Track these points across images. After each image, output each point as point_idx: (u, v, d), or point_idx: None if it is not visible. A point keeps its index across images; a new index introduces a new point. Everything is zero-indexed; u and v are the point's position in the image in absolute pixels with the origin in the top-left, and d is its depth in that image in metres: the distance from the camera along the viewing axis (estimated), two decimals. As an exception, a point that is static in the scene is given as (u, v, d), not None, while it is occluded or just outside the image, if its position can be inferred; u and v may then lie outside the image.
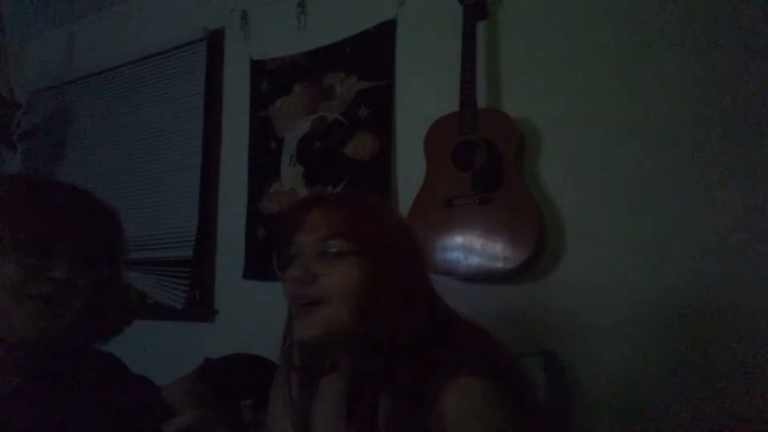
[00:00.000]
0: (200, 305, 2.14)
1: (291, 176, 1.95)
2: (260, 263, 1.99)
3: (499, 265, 1.40)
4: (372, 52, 1.82)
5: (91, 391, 0.86)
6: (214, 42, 2.23)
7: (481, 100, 1.54)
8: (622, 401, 1.31)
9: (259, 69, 2.09)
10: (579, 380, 1.36)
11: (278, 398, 0.94)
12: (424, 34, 1.74)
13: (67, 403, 0.84)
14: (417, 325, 0.78)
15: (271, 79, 2.05)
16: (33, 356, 0.83)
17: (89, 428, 0.83)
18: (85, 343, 0.91)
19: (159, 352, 1.67)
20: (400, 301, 0.77)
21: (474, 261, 1.43)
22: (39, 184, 0.88)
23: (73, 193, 0.89)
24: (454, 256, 1.44)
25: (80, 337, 0.88)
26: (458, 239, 1.45)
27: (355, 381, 0.81)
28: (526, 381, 0.79)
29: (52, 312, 0.80)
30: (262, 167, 2.03)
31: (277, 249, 0.86)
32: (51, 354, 0.84)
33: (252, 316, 1.98)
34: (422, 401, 0.73)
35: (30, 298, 0.78)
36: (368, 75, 1.82)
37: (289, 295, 0.81)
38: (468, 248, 1.43)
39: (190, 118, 2.23)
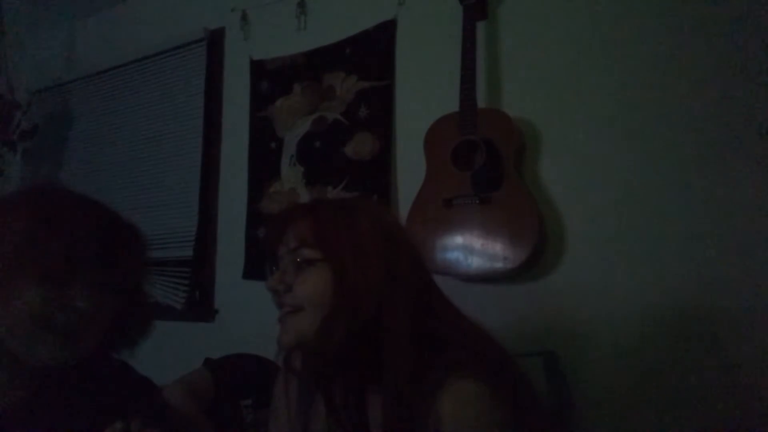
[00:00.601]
0: (200, 305, 2.13)
1: (291, 176, 1.95)
2: (260, 263, 1.98)
3: (499, 265, 1.40)
4: (372, 52, 1.82)
5: (96, 394, 0.85)
6: (214, 42, 2.23)
7: (481, 100, 1.54)
8: (622, 401, 1.31)
9: (259, 69, 2.09)
10: (579, 380, 1.36)
11: (280, 400, 0.94)
12: (424, 34, 1.74)
13: (73, 410, 0.82)
14: (399, 327, 0.76)
15: (271, 79, 2.05)
16: (50, 377, 0.81)
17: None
18: (102, 355, 0.89)
19: (159, 352, 1.66)
20: (372, 305, 0.77)
21: (474, 261, 1.43)
22: (62, 203, 0.82)
23: (99, 214, 0.84)
24: (454, 256, 1.44)
25: (99, 358, 0.86)
26: (458, 239, 1.45)
27: (331, 384, 0.82)
28: (526, 383, 0.79)
29: (74, 343, 0.78)
30: (262, 167, 2.03)
31: (267, 259, 0.89)
32: (68, 373, 0.82)
33: (252, 316, 1.98)
34: (417, 403, 0.72)
35: (51, 329, 0.75)
36: (368, 75, 1.82)
37: (275, 303, 0.85)
38: (468, 248, 1.43)
39: (190, 118, 2.23)
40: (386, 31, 1.80)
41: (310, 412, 0.89)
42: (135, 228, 0.89)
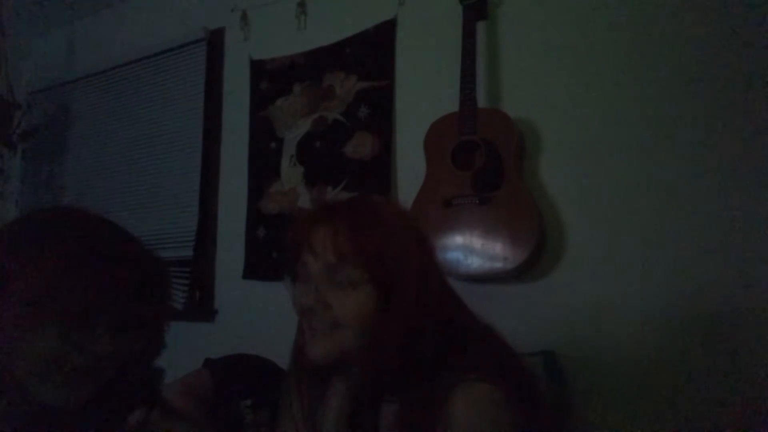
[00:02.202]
0: (200, 305, 2.13)
1: (291, 176, 1.95)
2: (260, 263, 1.99)
3: (499, 265, 1.40)
4: (372, 52, 1.82)
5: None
6: (214, 42, 2.23)
7: (481, 100, 1.54)
8: (623, 401, 1.31)
9: (259, 69, 2.09)
10: (579, 380, 1.36)
11: (290, 400, 0.94)
12: (424, 34, 1.74)
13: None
14: (430, 339, 0.76)
15: (271, 79, 2.05)
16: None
17: None
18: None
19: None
20: (413, 321, 0.75)
21: (474, 261, 1.43)
22: (85, 231, 0.76)
23: (123, 245, 0.78)
24: (454, 256, 1.44)
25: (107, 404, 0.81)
26: (458, 239, 1.45)
27: (362, 389, 0.81)
28: (538, 388, 0.78)
29: (84, 382, 0.73)
30: (262, 167, 2.03)
31: (285, 257, 0.84)
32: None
33: (252, 316, 1.98)
34: (430, 405, 0.72)
35: (64, 371, 0.70)
36: (368, 75, 1.82)
37: (300, 315, 0.81)
38: (468, 248, 1.43)
39: (190, 118, 2.23)
40: (386, 31, 1.80)
41: (320, 410, 0.88)
42: (162, 265, 0.83)
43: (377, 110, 1.78)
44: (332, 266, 0.76)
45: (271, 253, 1.95)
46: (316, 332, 0.78)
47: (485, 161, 1.45)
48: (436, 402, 0.71)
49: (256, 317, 1.96)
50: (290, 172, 1.96)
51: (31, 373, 0.71)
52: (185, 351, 1.73)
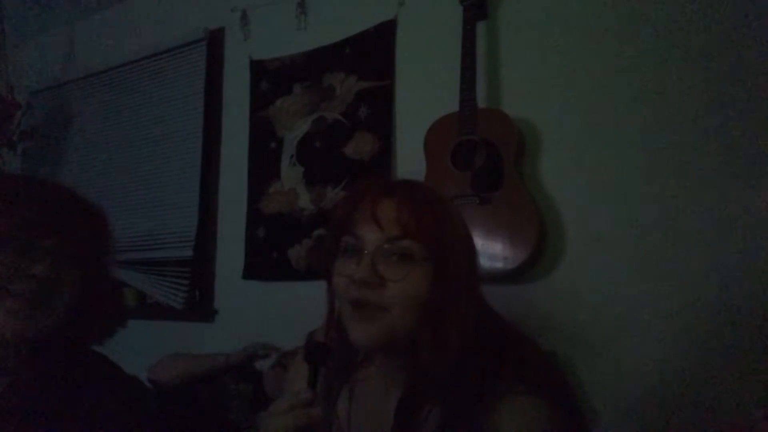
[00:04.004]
0: (200, 305, 2.14)
1: (291, 176, 1.95)
2: (260, 263, 1.99)
3: (499, 265, 1.40)
4: (372, 52, 1.82)
5: (82, 393, 0.86)
6: (214, 42, 2.23)
7: (481, 100, 1.54)
8: (623, 401, 1.31)
9: (259, 69, 2.09)
10: (579, 380, 1.36)
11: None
12: (424, 34, 1.74)
13: (57, 405, 0.83)
14: (472, 333, 0.74)
15: (271, 79, 2.05)
16: (21, 356, 0.82)
17: (79, 430, 0.82)
18: (76, 343, 0.90)
19: (159, 352, 1.67)
20: (463, 310, 0.73)
21: (474, 261, 1.42)
22: (19, 182, 0.88)
23: (56, 191, 0.88)
24: (454, 256, 1.44)
25: (69, 338, 0.87)
26: (458, 239, 1.45)
27: (411, 389, 0.77)
28: (576, 402, 0.78)
29: (34, 310, 0.79)
30: (262, 167, 2.03)
31: (325, 238, 0.84)
32: (40, 354, 0.83)
33: (252, 316, 1.98)
34: (475, 414, 0.70)
35: (11, 294, 0.78)
36: (368, 75, 1.82)
37: (346, 295, 0.75)
38: (468, 248, 1.43)
39: (190, 118, 2.23)
40: (386, 31, 1.80)
41: (335, 406, 0.86)
42: (92, 204, 0.92)
43: (377, 110, 1.78)
44: (395, 239, 0.73)
45: (271, 253, 1.95)
46: (364, 311, 0.73)
47: (485, 161, 1.45)
48: (482, 411, 0.70)
49: (256, 317, 1.96)
50: (290, 172, 1.96)
51: None
52: (185, 351, 1.74)
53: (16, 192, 0.83)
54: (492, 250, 1.41)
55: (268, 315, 1.94)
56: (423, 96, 1.70)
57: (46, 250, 0.80)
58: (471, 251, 0.79)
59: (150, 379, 1.50)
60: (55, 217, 0.83)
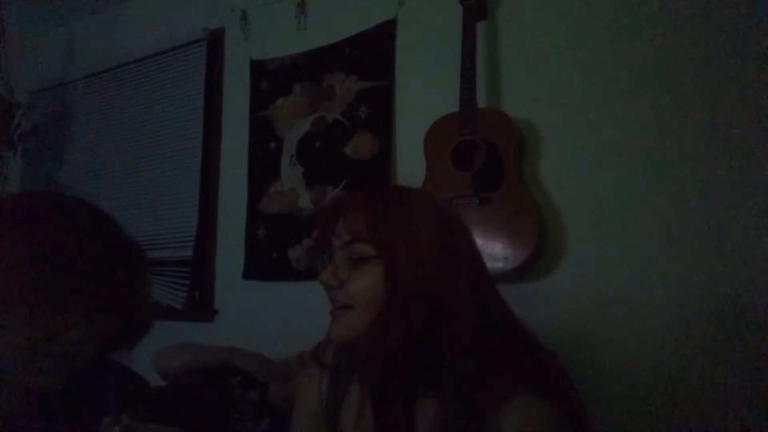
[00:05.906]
0: (200, 305, 2.13)
1: (291, 176, 1.95)
2: (260, 263, 1.99)
3: (499, 265, 1.40)
4: (372, 52, 1.82)
5: (94, 401, 0.84)
6: (214, 42, 2.23)
7: (481, 100, 1.54)
8: (623, 401, 1.31)
9: (259, 69, 2.08)
10: (579, 380, 1.35)
11: (308, 395, 0.93)
12: (424, 34, 1.74)
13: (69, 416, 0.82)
14: (460, 331, 0.74)
15: (271, 79, 2.05)
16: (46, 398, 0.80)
17: None
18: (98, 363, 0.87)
19: (159, 352, 1.67)
20: (425, 307, 0.74)
21: (474, 261, 1.42)
22: (55, 222, 0.76)
23: (98, 231, 0.79)
24: (454, 256, 1.44)
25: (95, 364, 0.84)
26: (458, 239, 1.45)
27: (381, 385, 0.79)
28: (582, 405, 0.78)
29: (71, 366, 0.76)
30: (262, 167, 2.03)
31: (319, 250, 0.87)
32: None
33: (252, 316, 1.98)
34: (478, 412, 0.70)
35: (48, 355, 0.74)
36: (368, 75, 1.82)
37: (327, 296, 0.82)
38: (468, 248, 1.43)
39: (190, 118, 2.23)
40: (386, 31, 1.80)
41: (342, 408, 0.87)
42: (135, 245, 0.85)
43: (377, 110, 1.78)
44: (346, 244, 0.79)
45: (271, 253, 1.95)
46: (335, 312, 0.80)
47: (485, 161, 1.45)
48: (485, 410, 0.70)
49: (256, 317, 1.96)
50: (290, 172, 1.96)
51: (19, 363, 0.73)
52: (185, 351, 1.74)
53: (45, 240, 0.73)
54: (492, 250, 1.41)
55: (268, 315, 1.94)
56: (423, 96, 1.70)
57: (81, 310, 0.74)
58: (438, 246, 0.77)
59: (156, 366, 1.50)
60: (92, 269, 0.74)
